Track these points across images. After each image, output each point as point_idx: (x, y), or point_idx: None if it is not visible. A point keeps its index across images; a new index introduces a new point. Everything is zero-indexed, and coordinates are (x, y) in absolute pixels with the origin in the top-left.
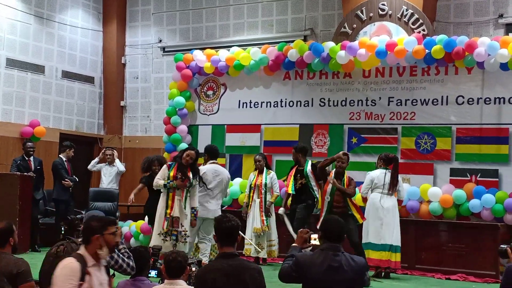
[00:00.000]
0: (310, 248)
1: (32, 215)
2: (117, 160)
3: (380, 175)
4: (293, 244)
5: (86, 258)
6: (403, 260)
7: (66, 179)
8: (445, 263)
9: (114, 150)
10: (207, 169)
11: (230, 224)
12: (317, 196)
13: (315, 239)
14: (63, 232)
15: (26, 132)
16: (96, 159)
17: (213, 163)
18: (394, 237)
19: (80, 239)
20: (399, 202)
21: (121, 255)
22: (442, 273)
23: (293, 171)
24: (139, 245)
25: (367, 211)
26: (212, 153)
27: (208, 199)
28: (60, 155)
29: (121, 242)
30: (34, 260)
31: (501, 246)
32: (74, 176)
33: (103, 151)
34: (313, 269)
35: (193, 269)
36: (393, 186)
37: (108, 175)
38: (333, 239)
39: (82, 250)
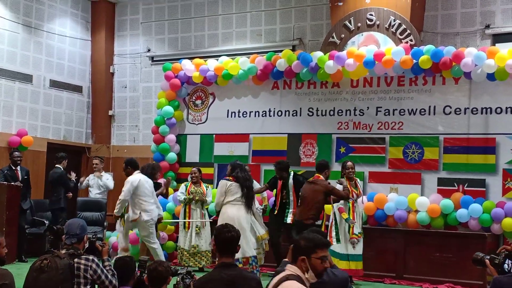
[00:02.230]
0: None
1: (19, 225)
2: (107, 177)
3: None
4: (285, 259)
5: (303, 279)
6: (391, 269)
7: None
8: (433, 272)
9: (99, 159)
10: (142, 177)
11: (230, 235)
12: (291, 209)
13: None
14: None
15: (14, 142)
16: (83, 178)
17: (139, 173)
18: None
19: (63, 251)
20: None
21: (105, 271)
22: (430, 282)
23: (280, 185)
24: (126, 255)
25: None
26: (135, 165)
27: (153, 202)
28: (58, 166)
29: (108, 259)
30: (21, 271)
31: (477, 253)
32: None
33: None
34: None
35: (178, 279)
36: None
37: (96, 187)
38: None
39: (294, 269)
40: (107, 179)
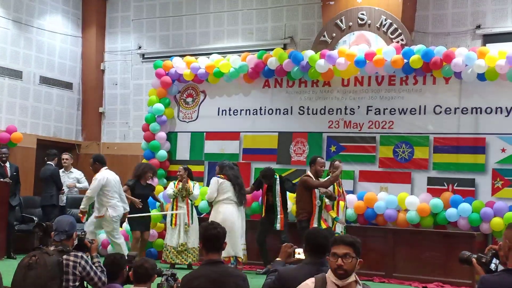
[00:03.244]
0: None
1: (8, 221)
2: (80, 175)
3: None
4: (277, 259)
5: (328, 280)
6: (380, 268)
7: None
8: (422, 271)
9: (69, 155)
10: (109, 174)
11: (216, 231)
12: (278, 214)
13: (299, 253)
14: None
15: (3, 138)
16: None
17: (106, 169)
18: None
19: (52, 248)
20: None
21: (93, 267)
22: (419, 281)
23: (265, 188)
24: (115, 252)
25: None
26: (103, 161)
27: (119, 199)
28: (49, 162)
29: (96, 256)
30: (10, 267)
31: (463, 252)
32: None
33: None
34: (296, 284)
35: (162, 279)
36: None
37: (65, 184)
38: (316, 252)
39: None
40: (81, 177)
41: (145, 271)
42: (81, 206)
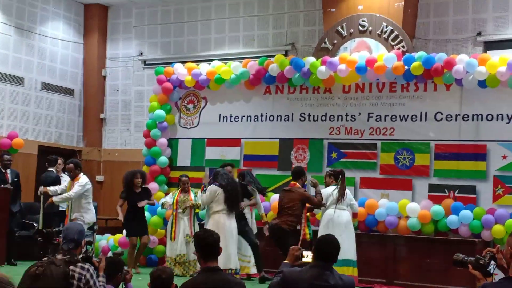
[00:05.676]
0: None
1: (9, 228)
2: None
3: (333, 191)
4: (284, 261)
5: None
6: (381, 275)
7: None
8: (423, 278)
9: (62, 160)
10: (87, 179)
11: (213, 239)
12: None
13: (307, 257)
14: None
15: (4, 144)
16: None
17: (83, 175)
18: (353, 251)
19: (59, 255)
20: (355, 214)
21: (97, 283)
22: None
23: None
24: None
25: (324, 227)
26: (81, 167)
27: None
28: (50, 169)
29: (103, 275)
30: (10, 274)
31: (457, 254)
32: None
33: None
34: (299, 286)
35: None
36: (341, 198)
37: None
38: (325, 259)
39: None
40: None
41: (161, 283)
42: (56, 198)
